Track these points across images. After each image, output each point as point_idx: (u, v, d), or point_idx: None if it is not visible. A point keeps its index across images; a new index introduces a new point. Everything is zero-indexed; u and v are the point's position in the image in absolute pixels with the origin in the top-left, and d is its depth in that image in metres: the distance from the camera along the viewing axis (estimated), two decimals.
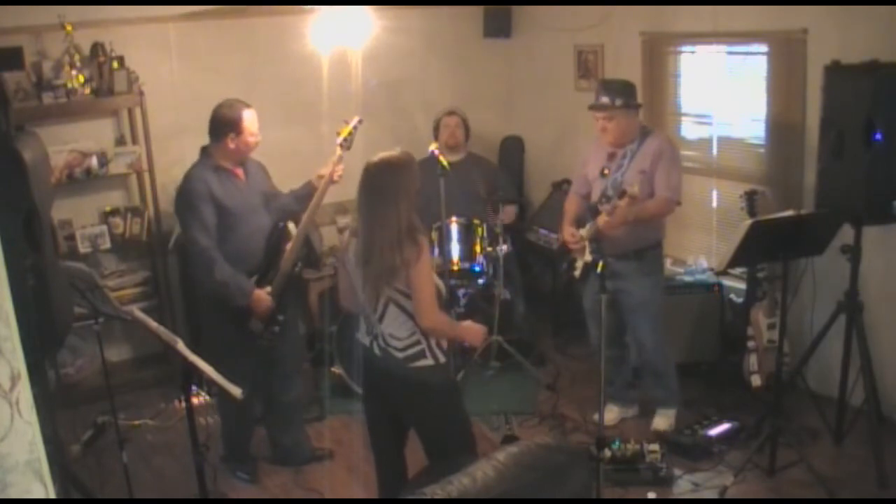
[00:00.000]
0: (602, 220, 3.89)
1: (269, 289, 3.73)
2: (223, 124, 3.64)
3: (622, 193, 3.78)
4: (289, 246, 3.78)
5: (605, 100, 3.97)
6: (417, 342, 2.97)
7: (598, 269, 3.26)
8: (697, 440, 3.97)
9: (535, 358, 5.09)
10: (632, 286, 4.05)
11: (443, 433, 3.09)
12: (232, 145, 3.65)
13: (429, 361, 2.98)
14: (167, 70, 5.05)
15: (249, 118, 3.66)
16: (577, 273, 4.19)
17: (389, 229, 2.83)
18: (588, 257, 4.06)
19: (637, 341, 4.22)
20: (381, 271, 2.86)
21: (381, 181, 2.88)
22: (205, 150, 3.75)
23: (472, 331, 3.15)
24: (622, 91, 3.98)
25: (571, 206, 4.31)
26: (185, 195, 3.65)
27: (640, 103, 4.09)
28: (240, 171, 3.75)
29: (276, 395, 3.98)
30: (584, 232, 4.05)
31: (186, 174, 3.73)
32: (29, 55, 4.60)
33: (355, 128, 3.83)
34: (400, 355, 2.98)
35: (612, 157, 4.06)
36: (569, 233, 4.15)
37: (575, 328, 5.43)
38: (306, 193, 3.84)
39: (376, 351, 3.03)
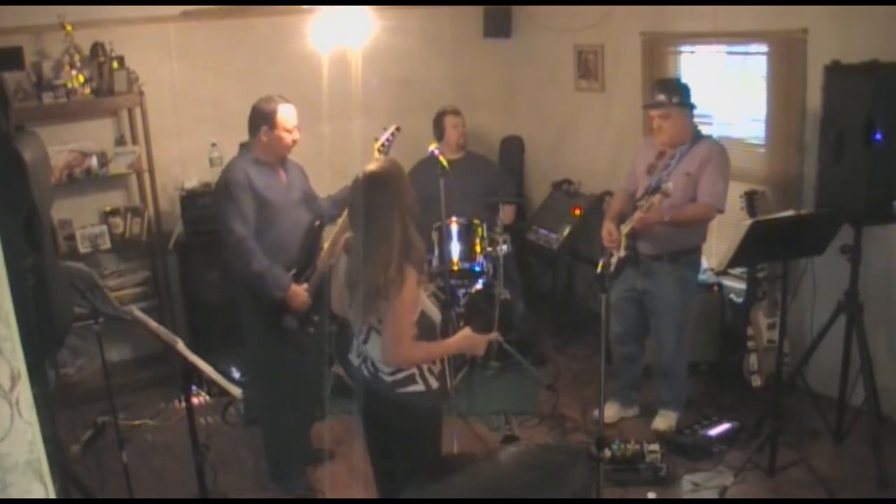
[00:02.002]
0: (637, 216, 3.91)
1: (305, 286, 3.69)
2: (257, 117, 3.61)
3: (656, 190, 3.80)
4: (326, 245, 3.74)
5: (661, 97, 3.97)
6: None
7: (599, 269, 3.25)
8: (697, 440, 3.97)
9: (535, 358, 5.09)
10: (660, 288, 4.05)
11: (412, 459, 2.91)
12: (265, 139, 3.61)
13: (419, 387, 2.81)
14: (167, 70, 5.06)
15: (284, 113, 3.61)
16: (608, 267, 4.13)
17: (381, 250, 2.66)
18: (622, 253, 4.07)
19: (658, 341, 4.23)
20: (363, 296, 2.71)
21: (370, 199, 2.70)
22: (243, 146, 3.74)
23: (470, 342, 2.92)
24: (678, 90, 3.99)
25: (617, 201, 4.32)
26: (225, 185, 3.60)
27: (694, 104, 4.06)
28: (281, 172, 3.72)
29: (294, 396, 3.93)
30: (623, 228, 4.07)
31: (226, 166, 3.72)
32: (29, 55, 4.60)
33: (393, 135, 3.80)
34: (389, 379, 2.82)
35: (661, 155, 4.07)
36: (606, 231, 4.16)
37: (575, 328, 5.46)
38: (343, 198, 3.75)
39: (365, 373, 2.90)
